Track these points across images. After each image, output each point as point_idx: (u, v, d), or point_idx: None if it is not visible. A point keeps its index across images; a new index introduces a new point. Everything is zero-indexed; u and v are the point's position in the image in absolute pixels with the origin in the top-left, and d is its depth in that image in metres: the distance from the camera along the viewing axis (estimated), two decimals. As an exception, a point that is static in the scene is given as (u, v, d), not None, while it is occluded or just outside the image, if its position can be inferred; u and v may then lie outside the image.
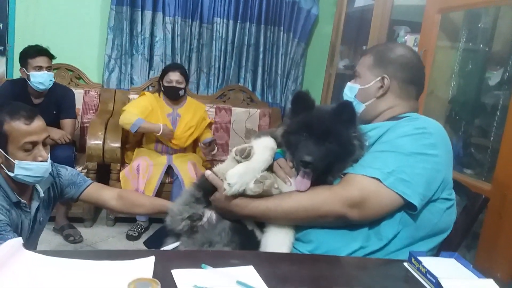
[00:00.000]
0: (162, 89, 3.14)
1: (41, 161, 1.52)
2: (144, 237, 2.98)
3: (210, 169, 1.29)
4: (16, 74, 3.33)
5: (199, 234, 1.23)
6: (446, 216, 1.21)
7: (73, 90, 3.17)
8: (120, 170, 3.03)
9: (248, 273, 0.94)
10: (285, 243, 1.18)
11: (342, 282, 0.96)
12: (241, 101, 3.85)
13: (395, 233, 1.16)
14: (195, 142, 3.29)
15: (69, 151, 2.86)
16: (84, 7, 3.57)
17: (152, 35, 3.64)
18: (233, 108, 3.74)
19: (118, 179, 3.03)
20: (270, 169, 1.21)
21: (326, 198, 1.13)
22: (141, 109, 3.03)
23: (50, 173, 1.65)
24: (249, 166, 1.15)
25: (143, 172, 2.91)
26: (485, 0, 2.04)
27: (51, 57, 2.85)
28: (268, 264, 1.00)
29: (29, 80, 2.76)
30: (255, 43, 3.86)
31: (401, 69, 1.31)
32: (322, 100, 3.37)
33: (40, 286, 0.81)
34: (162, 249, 1.28)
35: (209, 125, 3.45)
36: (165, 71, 3.12)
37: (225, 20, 3.73)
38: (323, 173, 1.16)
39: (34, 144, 1.51)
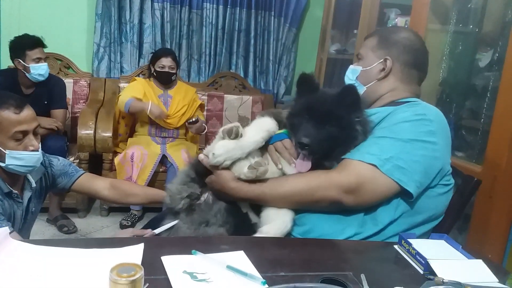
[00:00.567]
0: (154, 74, 3.13)
1: (32, 151, 1.51)
2: (138, 226, 2.98)
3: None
4: (4, 64, 3.28)
5: (197, 213, 1.24)
6: (443, 201, 1.22)
7: (63, 79, 3.14)
8: (112, 160, 3.01)
9: (239, 258, 0.94)
10: (285, 220, 1.18)
11: (332, 265, 0.96)
12: (233, 88, 3.83)
13: (392, 219, 1.16)
14: (187, 129, 3.28)
15: (61, 142, 2.84)
16: (71, -5, 3.51)
17: (141, 22, 3.58)
18: (225, 95, 3.71)
19: (111, 169, 3.02)
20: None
21: (322, 183, 1.13)
22: (136, 91, 3.04)
23: (41, 163, 1.63)
24: (238, 143, 1.15)
25: (137, 161, 2.90)
26: (475, -20, 2.03)
27: (45, 47, 2.84)
28: (259, 249, 1.00)
29: (28, 71, 2.75)
30: (246, 28, 3.82)
31: (405, 52, 1.29)
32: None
33: (27, 274, 0.80)
34: (160, 228, 1.28)
35: (201, 107, 3.43)
36: (156, 57, 3.11)
37: (214, 5, 3.69)
38: (324, 157, 1.15)
39: (25, 133, 1.50)
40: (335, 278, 0.87)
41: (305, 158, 1.14)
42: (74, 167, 1.80)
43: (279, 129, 1.22)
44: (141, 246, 0.93)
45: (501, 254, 1.68)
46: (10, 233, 1.41)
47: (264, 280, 0.84)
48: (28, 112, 1.51)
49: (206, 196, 1.26)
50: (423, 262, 0.95)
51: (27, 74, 2.77)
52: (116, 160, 2.96)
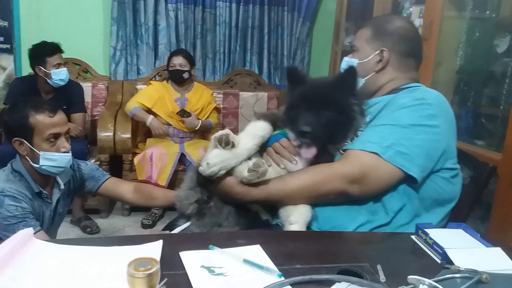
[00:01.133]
0: (169, 74, 3.19)
1: (64, 152, 1.61)
2: (159, 225, 3.03)
3: None
4: (25, 71, 3.37)
5: (208, 217, 1.25)
6: (451, 186, 1.20)
7: (81, 83, 3.22)
8: (132, 161, 3.07)
9: (255, 252, 0.95)
10: (307, 209, 1.18)
11: (348, 257, 0.97)
12: (248, 85, 3.84)
13: (401, 206, 1.16)
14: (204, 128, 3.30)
15: (81, 145, 2.90)
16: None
17: (155, 23, 3.63)
18: (240, 92, 3.73)
19: (131, 170, 3.07)
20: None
21: (327, 176, 1.13)
22: (149, 98, 3.11)
23: (70, 166, 1.73)
24: (234, 151, 1.14)
25: (156, 160, 2.95)
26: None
27: (62, 52, 2.92)
28: (275, 242, 1.00)
29: (49, 77, 2.83)
30: (259, 25, 3.82)
31: (400, 41, 1.29)
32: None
33: (50, 273, 0.83)
34: (177, 228, 1.30)
35: (217, 110, 3.46)
36: (169, 58, 3.20)
37: (227, 4, 3.70)
38: (327, 142, 1.16)
39: (57, 136, 1.60)
40: (352, 270, 0.87)
41: (308, 146, 1.14)
42: (101, 171, 1.89)
43: (275, 130, 1.22)
44: (160, 243, 0.95)
45: (524, 242, 1.66)
46: (38, 231, 1.48)
47: (280, 273, 0.85)
48: (60, 116, 1.63)
49: (215, 200, 1.26)
50: (441, 251, 0.95)
51: (48, 80, 2.85)
52: (136, 160, 3.01)
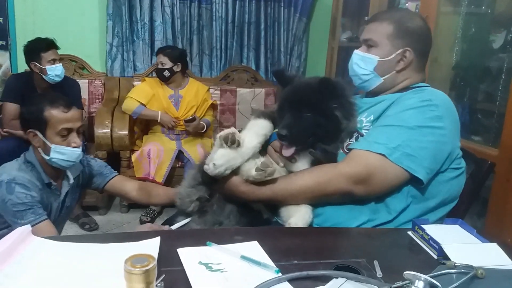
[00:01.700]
0: None
1: (74, 147, 1.66)
2: (157, 221, 3.04)
3: None
4: (20, 68, 3.36)
5: (209, 215, 1.25)
6: (456, 185, 1.21)
7: (78, 80, 3.21)
8: (129, 157, 3.06)
9: (252, 248, 0.95)
10: (308, 211, 1.18)
11: (345, 252, 0.97)
12: (245, 82, 3.83)
13: (404, 206, 1.16)
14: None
15: (79, 141, 2.89)
16: (82, -4, 3.56)
17: (151, 19, 3.61)
18: (237, 89, 3.72)
19: (129, 166, 3.07)
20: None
21: (332, 177, 1.13)
22: (144, 94, 3.11)
23: (80, 162, 1.79)
24: (239, 151, 1.15)
25: (153, 157, 2.95)
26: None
27: (57, 48, 2.90)
28: (272, 239, 1.01)
29: (44, 73, 2.81)
30: (255, 20, 3.81)
31: (419, 41, 1.26)
32: (326, 75, 3.34)
33: (48, 270, 0.83)
34: (177, 224, 1.30)
35: (213, 107, 3.45)
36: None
37: (223, -1, 3.69)
38: (309, 142, 1.16)
39: (70, 131, 1.66)
40: (348, 265, 0.88)
41: (286, 147, 1.15)
42: (109, 168, 1.93)
43: (275, 128, 1.23)
44: (157, 240, 0.96)
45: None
46: (45, 219, 1.53)
47: (277, 269, 0.85)
48: (74, 112, 1.68)
49: (216, 198, 1.27)
50: (437, 247, 0.95)
51: (44, 76, 2.83)
52: (133, 157, 3.02)
